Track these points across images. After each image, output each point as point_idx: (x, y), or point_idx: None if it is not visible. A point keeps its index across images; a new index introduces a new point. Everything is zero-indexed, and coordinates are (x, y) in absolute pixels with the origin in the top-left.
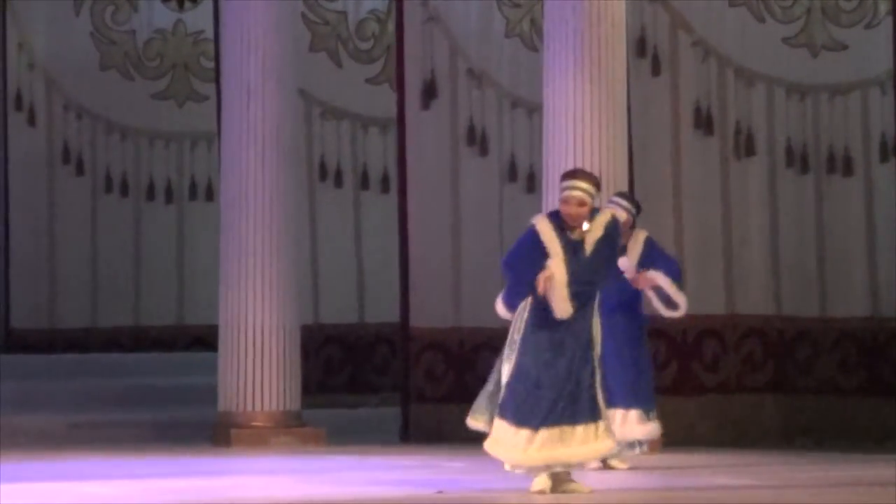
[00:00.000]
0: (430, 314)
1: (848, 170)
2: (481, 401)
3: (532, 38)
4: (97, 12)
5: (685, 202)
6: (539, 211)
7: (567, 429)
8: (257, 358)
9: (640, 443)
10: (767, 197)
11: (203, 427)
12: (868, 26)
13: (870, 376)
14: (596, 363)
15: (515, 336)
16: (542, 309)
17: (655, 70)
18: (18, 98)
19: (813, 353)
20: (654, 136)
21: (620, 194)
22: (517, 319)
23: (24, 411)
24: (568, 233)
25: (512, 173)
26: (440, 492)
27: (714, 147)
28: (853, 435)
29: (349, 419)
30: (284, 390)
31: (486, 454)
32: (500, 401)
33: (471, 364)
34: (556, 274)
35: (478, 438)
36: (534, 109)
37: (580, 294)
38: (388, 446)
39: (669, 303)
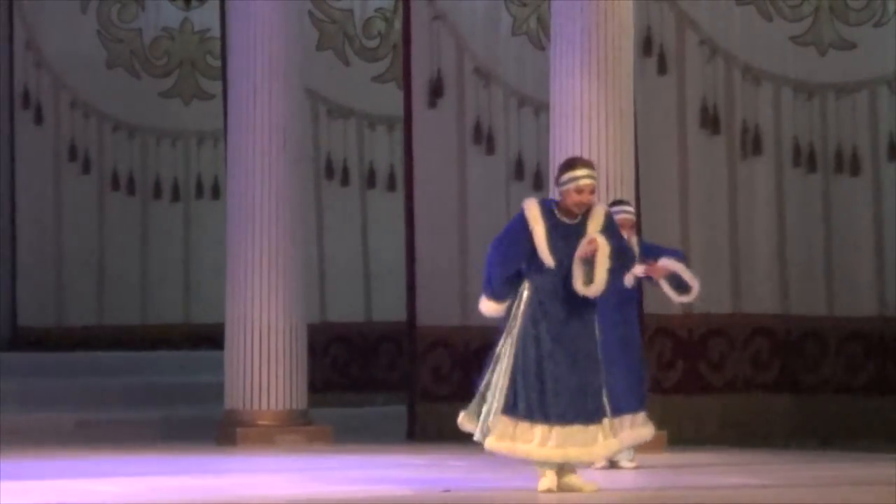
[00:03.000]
0: (436, 313)
1: (855, 169)
2: (474, 402)
3: (539, 37)
4: (104, 10)
5: (692, 201)
6: None
7: (579, 427)
8: (264, 356)
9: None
10: (774, 195)
11: (209, 425)
12: (876, 25)
13: (877, 375)
14: (601, 361)
15: (514, 331)
16: (539, 302)
17: (662, 69)
18: (25, 96)
19: (820, 352)
20: (660, 134)
21: (620, 202)
22: (513, 315)
23: (30, 409)
24: (564, 219)
25: (519, 172)
26: (447, 490)
27: (721, 146)
28: (860, 434)
29: (355, 418)
30: (291, 389)
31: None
32: (504, 398)
33: (477, 363)
34: (600, 243)
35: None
36: (540, 108)
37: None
38: (395, 445)
39: (681, 286)
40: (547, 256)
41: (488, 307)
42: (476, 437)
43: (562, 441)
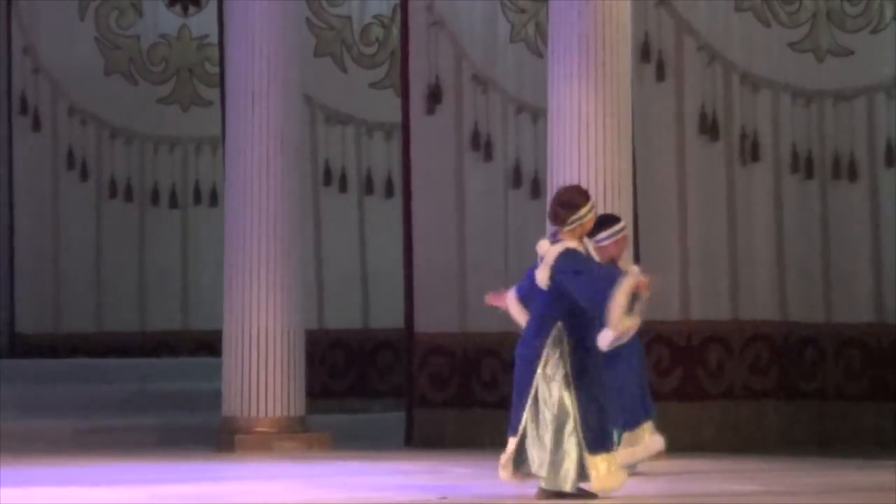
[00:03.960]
0: (434, 319)
1: (853, 175)
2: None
3: (537, 43)
4: (102, 17)
5: (690, 207)
6: (544, 217)
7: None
8: (262, 363)
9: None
10: (772, 202)
11: (207, 432)
12: (874, 31)
13: (874, 382)
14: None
15: (562, 367)
16: (584, 335)
17: (660, 75)
18: (23, 102)
19: (818, 359)
20: (658, 141)
21: (614, 217)
22: (553, 348)
23: (28, 416)
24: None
25: (517, 178)
26: (443, 497)
27: (719, 152)
28: (858, 440)
29: (354, 424)
30: (289, 395)
31: (489, 460)
32: (595, 435)
33: (475, 369)
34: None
35: (481, 444)
36: (538, 114)
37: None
38: (393, 451)
39: None
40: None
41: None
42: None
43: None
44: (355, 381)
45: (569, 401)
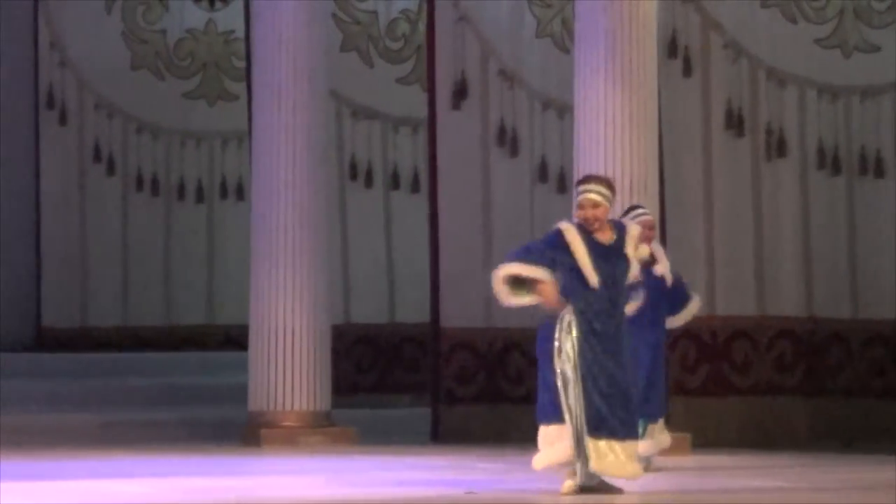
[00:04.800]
0: (460, 315)
1: (879, 171)
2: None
3: (563, 39)
4: (128, 11)
5: (716, 203)
6: (569, 212)
7: (631, 444)
8: (288, 357)
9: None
10: (799, 198)
11: (233, 427)
12: None
13: None
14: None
15: (571, 355)
16: (588, 322)
17: (686, 71)
18: (50, 97)
19: (844, 355)
20: (685, 137)
21: (636, 206)
22: (560, 339)
23: (55, 410)
24: (596, 238)
25: (543, 174)
26: (469, 492)
27: (745, 148)
28: (883, 437)
29: (379, 419)
30: (315, 390)
31: (515, 455)
32: (593, 421)
33: (501, 365)
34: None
35: (508, 439)
36: (564, 110)
37: (619, 301)
38: (418, 446)
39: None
40: (592, 276)
41: (505, 278)
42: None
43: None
44: (381, 376)
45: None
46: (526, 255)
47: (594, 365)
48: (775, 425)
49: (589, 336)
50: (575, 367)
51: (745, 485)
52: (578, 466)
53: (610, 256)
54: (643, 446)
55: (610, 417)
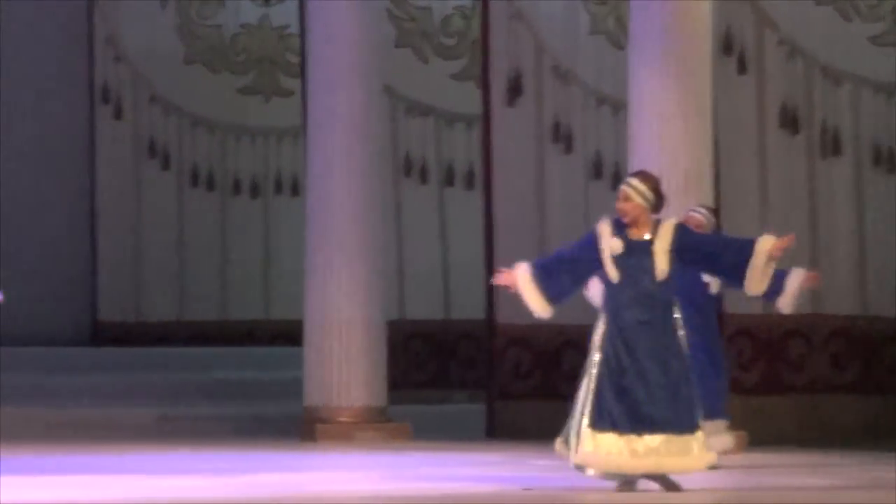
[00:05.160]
0: (515, 311)
1: None
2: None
3: (617, 36)
4: (184, 6)
5: (770, 201)
6: None
7: (672, 437)
8: (343, 353)
9: None
10: (853, 196)
11: (288, 422)
12: None
13: None
14: (689, 371)
15: (597, 348)
16: (616, 315)
17: (741, 69)
18: (105, 91)
19: None
20: (739, 135)
21: (702, 206)
22: (596, 334)
23: (111, 404)
24: (627, 234)
25: (597, 170)
26: (526, 489)
27: (800, 146)
28: None
29: (434, 415)
30: (370, 386)
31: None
32: (591, 413)
33: (556, 361)
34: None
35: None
36: (619, 107)
37: (649, 301)
38: (474, 443)
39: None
40: (612, 271)
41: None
42: (571, 458)
43: (652, 451)
44: (436, 371)
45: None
46: (543, 271)
47: (612, 359)
48: (831, 423)
49: (612, 329)
50: (596, 360)
51: (800, 483)
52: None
53: (636, 252)
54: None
55: (616, 410)
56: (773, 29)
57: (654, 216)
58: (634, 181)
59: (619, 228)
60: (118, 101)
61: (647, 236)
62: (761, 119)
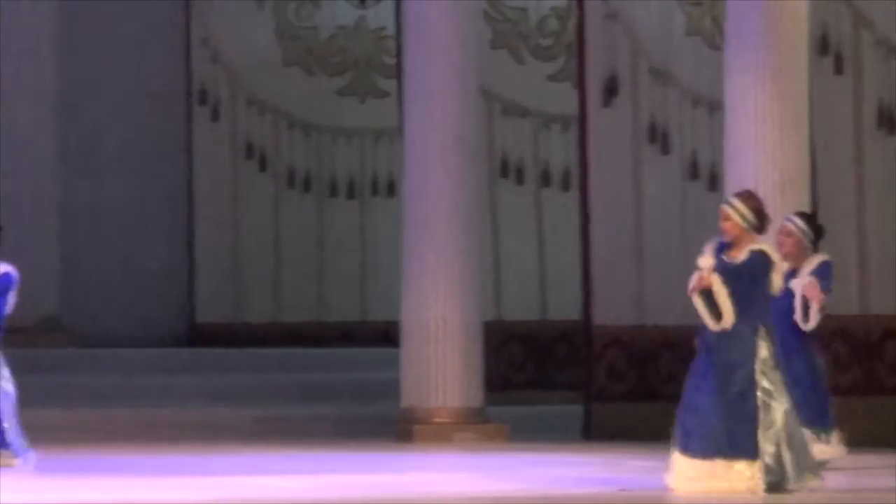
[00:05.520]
0: (612, 312)
1: None
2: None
3: (714, 36)
4: (280, 8)
5: (868, 202)
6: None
7: (720, 462)
8: (440, 354)
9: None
10: None
11: (385, 423)
12: None
13: None
14: (756, 393)
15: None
16: (702, 338)
17: (838, 69)
18: (202, 93)
19: None
20: (836, 135)
21: (800, 214)
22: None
23: (208, 405)
24: (725, 255)
25: (694, 171)
26: (622, 490)
27: None
28: None
29: (531, 416)
30: (467, 386)
31: (667, 453)
32: (674, 434)
33: (653, 363)
34: (710, 279)
35: (659, 437)
36: (715, 107)
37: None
38: (571, 444)
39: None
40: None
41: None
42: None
43: (700, 475)
44: (533, 372)
45: None
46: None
47: (690, 378)
48: None
49: (700, 348)
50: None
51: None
52: None
53: (725, 273)
54: (819, 450)
55: (681, 432)
56: (869, 29)
57: (758, 237)
58: (735, 201)
59: (722, 248)
60: (215, 102)
61: (738, 259)
62: (858, 119)
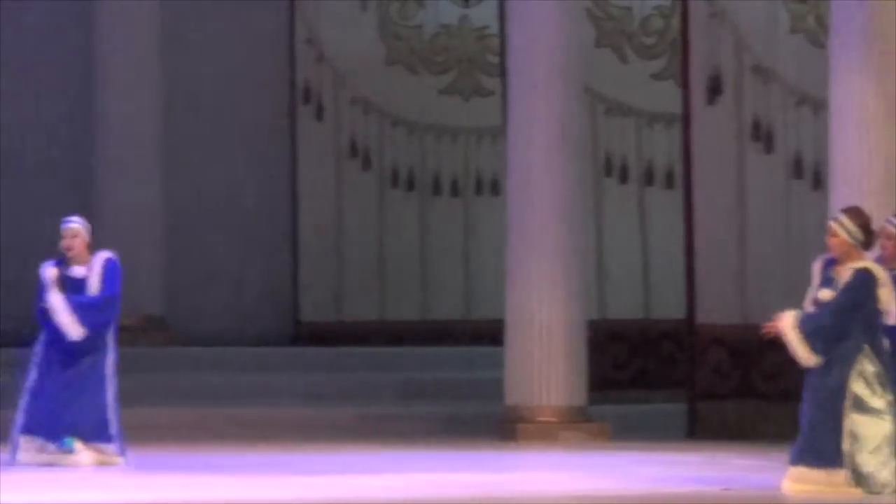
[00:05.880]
0: (716, 310)
1: None
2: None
3: (818, 35)
4: (384, 7)
5: None
6: (825, 209)
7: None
8: (543, 353)
9: None
10: None
11: (489, 421)
12: None
13: None
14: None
15: None
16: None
17: None
18: (307, 92)
19: None
20: None
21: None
22: None
23: (312, 403)
24: (830, 271)
25: (798, 170)
26: (726, 489)
27: None
28: None
29: (635, 415)
30: (570, 385)
31: (770, 452)
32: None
33: (757, 361)
34: (780, 326)
35: (763, 436)
36: (819, 106)
37: (818, 336)
38: (674, 442)
39: None
40: (808, 302)
41: None
42: None
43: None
44: (637, 371)
45: None
46: (814, 334)
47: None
48: None
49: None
50: None
51: None
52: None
53: (826, 287)
54: None
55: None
56: None
57: (865, 253)
58: (843, 217)
59: (828, 264)
60: (319, 101)
61: (843, 277)
62: None
